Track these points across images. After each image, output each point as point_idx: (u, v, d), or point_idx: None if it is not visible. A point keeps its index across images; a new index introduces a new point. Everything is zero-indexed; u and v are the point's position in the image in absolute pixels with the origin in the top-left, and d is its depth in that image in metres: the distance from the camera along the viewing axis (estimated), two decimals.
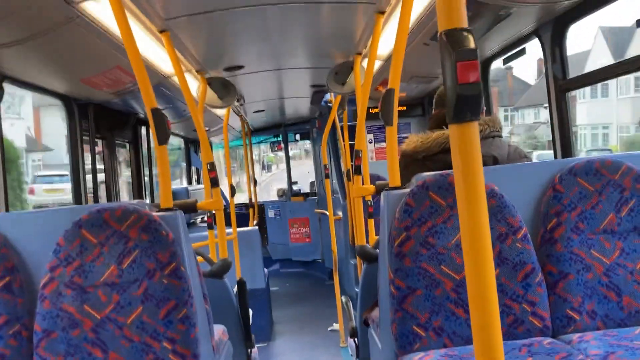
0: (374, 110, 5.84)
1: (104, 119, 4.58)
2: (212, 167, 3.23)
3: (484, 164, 2.44)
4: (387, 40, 3.53)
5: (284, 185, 9.69)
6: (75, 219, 2.12)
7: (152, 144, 6.10)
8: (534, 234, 2.23)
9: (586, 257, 2.15)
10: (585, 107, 30.30)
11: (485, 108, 2.77)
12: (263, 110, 7.35)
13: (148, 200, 5.64)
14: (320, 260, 8.66)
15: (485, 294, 0.96)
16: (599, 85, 27.86)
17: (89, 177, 4.26)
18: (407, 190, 2.20)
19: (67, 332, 2.03)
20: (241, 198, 10.19)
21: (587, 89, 28.11)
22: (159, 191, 2.35)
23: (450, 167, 2.38)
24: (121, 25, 2.23)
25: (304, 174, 10.94)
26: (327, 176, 5.65)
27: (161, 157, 2.32)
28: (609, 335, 2.00)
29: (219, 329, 2.71)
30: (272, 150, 10.34)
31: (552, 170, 2.26)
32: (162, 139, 2.28)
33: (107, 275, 2.07)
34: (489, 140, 2.48)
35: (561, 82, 3.04)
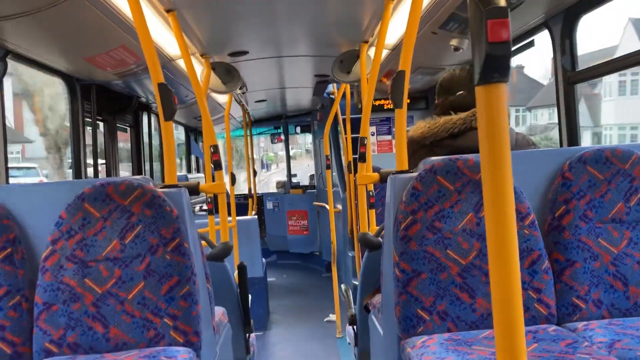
0: (376, 102, 5.83)
1: (106, 101, 4.55)
2: (215, 150, 3.20)
3: None
4: (394, 28, 3.50)
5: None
6: (78, 192, 2.10)
7: (153, 130, 6.09)
8: (541, 221, 2.21)
9: (593, 245, 2.13)
10: (613, 106, 28.04)
11: None
12: (265, 100, 7.32)
13: None
14: (317, 253, 8.65)
15: (508, 266, 0.93)
16: (628, 81, 26.42)
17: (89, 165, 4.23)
18: (415, 174, 2.18)
19: (68, 305, 2.00)
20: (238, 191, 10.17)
21: (615, 85, 26.66)
22: (164, 168, 2.33)
23: (458, 153, 2.38)
24: (131, 0, 2.21)
25: (304, 170, 10.91)
26: (328, 167, 5.63)
27: (166, 133, 2.29)
28: (614, 324, 1.99)
29: (219, 310, 2.70)
30: (272, 142, 10.31)
31: (561, 158, 2.24)
32: (168, 115, 2.25)
33: (109, 250, 2.05)
34: None
35: (570, 74, 3.02)
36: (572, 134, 3.02)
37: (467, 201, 2.09)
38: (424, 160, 2.21)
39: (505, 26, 0.88)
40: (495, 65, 0.89)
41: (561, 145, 3.10)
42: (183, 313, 2.02)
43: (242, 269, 3.20)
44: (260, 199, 9.07)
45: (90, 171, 4.18)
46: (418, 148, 2.52)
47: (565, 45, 3.02)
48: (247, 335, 3.27)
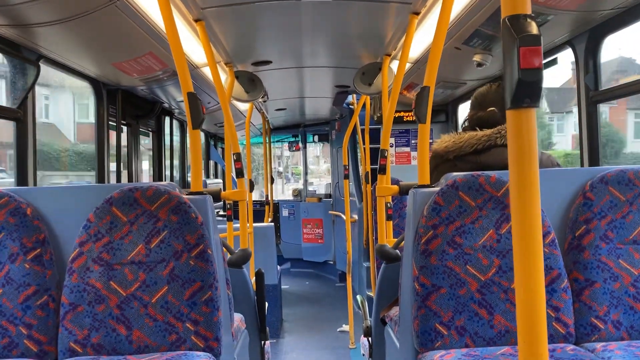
0: (395, 114, 5.85)
1: (131, 106, 4.64)
2: (238, 158, 3.25)
3: None
4: (416, 42, 3.53)
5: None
6: (106, 196, 2.15)
7: (174, 135, 6.17)
8: (561, 240, 2.22)
9: (614, 266, 2.13)
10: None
11: None
12: (284, 109, 7.38)
13: None
14: (331, 262, 8.66)
15: (533, 284, 0.95)
16: None
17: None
18: (437, 189, 2.20)
19: (93, 306, 2.05)
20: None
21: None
22: (191, 174, 2.37)
23: (480, 169, 2.40)
24: (163, 9, 2.26)
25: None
26: (346, 177, 5.66)
27: (194, 141, 2.34)
28: (633, 345, 1.98)
29: (237, 317, 2.73)
30: (289, 150, 10.38)
31: (583, 178, 2.25)
32: (196, 123, 2.30)
33: (135, 254, 2.09)
34: None
35: (593, 93, 3.02)
36: (593, 153, 3.02)
37: (488, 217, 2.11)
38: (445, 175, 2.23)
39: (538, 54, 0.90)
40: (527, 91, 0.92)
41: (582, 165, 3.10)
42: (205, 318, 2.05)
43: (259, 275, 3.23)
44: (276, 206, 9.12)
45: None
46: (441, 162, 2.54)
47: (588, 64, 3.03)
48: (263, 342, 3.30)
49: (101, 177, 4.02)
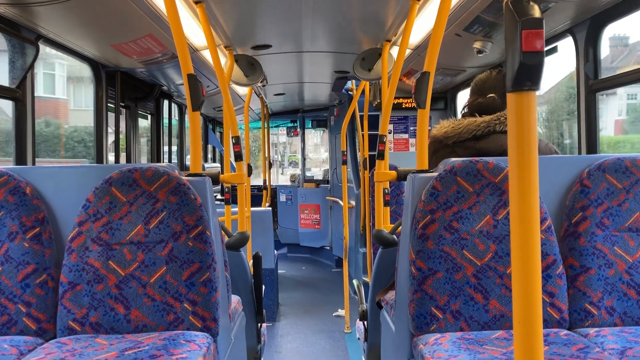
0: (394, 101, 5.85)
1: (130, 88, 4.63)
2: (236, 141, 3.25)
3: None
4: (417, 28, 3.52)
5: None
6: (105, 176, 2.16)
7: (173, 118, 6.16)
8: (557, 227, 2.24)
9: (609, 253, 2.15)
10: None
11: None
12: (283, 94, 7.37)
13: None
14: (328, 248, 8.70)
15: (530, 267, 0.96)
16: None
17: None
18: (435, 174, 2.21)
19: (92, 285, 2.07)
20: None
21: None
22: (190, 156, 2.38)
23: (479, 155, 2.41)
24: None
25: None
26: (344, 162, 5.67)
27: (193, 123, 2.34)
28: (626, 332, 2.01)
29: (234, 299, 2.75)
30: (288, 135, 10.37)
31: (580, 165, 2.26)
32: (196, 105, 2.30)
33: (134, 234, 2.11)
34: None
35: (592, 82, 3.03)
36: (591, 142, 3.03)
37: (485, 203, 2.12)
38: (444, 160, 2.24)
39: (540, 37, 0.91)
40: (528, 74, 0.93)
41: (579, 153, 3.11)
42: (202, 299, 2.07)
43: (257, 259, 3.25)
44: (274, 191, 9.14)
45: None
46: (440, 147, 2.55)
47: (588, 52, 3.03)
48: (259, 324, 3.33)
49: (99, 160, 4.02)
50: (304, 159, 9.92)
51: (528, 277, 0.98)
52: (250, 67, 4.29)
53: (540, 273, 1.00)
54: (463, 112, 2.68)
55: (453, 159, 2.20)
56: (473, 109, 2.58)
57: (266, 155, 7.59)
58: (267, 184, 7.66)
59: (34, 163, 3.01)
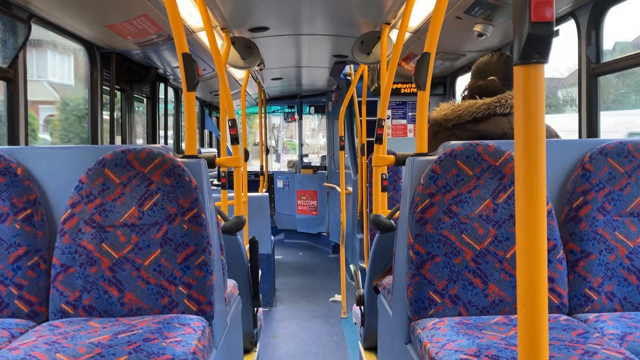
0: (393, 86, 5.79)
1: (125, 71, 4.57)
2: (233, 124, 3.21)
3: (512, 137, 2.41)
4: (416, 11, 3.46)
5: None
6: (98, 157, 2.11)
7: (169, 101, 6.10)
8: (558, 211, 2.21)
9: (610, 238, 2.12)
10: None
11: None
12: (280, 78, 7.30)
13: None
14: (325, 234, 8.69)
15: (536, 248, 0.93)
16: None
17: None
18: (434, 157, 2.17)
19: (85, 268, 2.03)
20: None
21: None
22: (185, 138, 2.33)
23: (479, 138, 2.37)
24: None
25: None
26: (342, 148, 5.63)
27: (188, 104, 2.30)
28: (626, 317, 1.99)
29: (230, 283, 2.72)
30: (285, 121, 10.31)
31: (582, 149, 2.23)
32: (191, 85, 2.25)
33: (127, 216, 2.07)
34: None
35: (594, 66, 2.99)
36: (591, 126, 3.00)
37: (485, 187, 2.09)
38: (444, 143, 2.20)
39: (550, 5, 0.87)
40: (537, 46, 0.89)
41: (580, 137, 3.08)
42: (198, 282, 2.04)
43: (253, 243, 3.22)
44: (271, 177, 9.10)
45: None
46: (440, 130, 2.51)
47: (591, 36, 2.99)
48: (256, 309, 3.31)
49: (94, 143, 3.97)
50: (301, 145, 9.87)
51: (533, 259, 0.95)
52: (247, 50, 4.24)
53: (546, 253, 0.97)
54: (463, 94, 2.64)
55: (453, 142, 2.17)
56: (473, 91, 2.54)
57: (263, 141, 7.55)
58: (264, 169, 7.61)
59: (26, 144, 2.96)
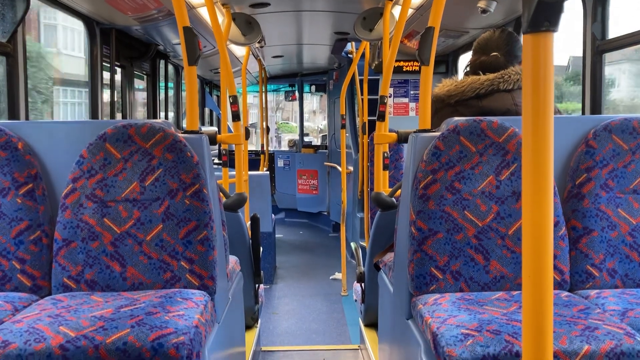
0: (395, 64, 5.73)
1: (125, 47, 4.52)
2: (234, 101, 3.18)
3: (516, 113, 2.39)
4: None
5: None
6: (99, 132, 2.10)
7: (169, 79, 6.05)
8: (561, 188, 2.20)
9: (612, 215, 2.12)
10: None
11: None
12: (281, 56, 7.24)
13: None
14: (325, 213, 8.70)
15: (542, 222, 0.92)
16: None
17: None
18: (437, 133, 2.16)
19: (87, 243, 2.03)
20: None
21: None
22: (186, 113, 2.32)
23: (482, 114, 2.35)
24: None
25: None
26: (343, 126, 5.60)
27: (190, 79, 2.27)
28: (627, 293, 1.99)
29: (232, 259, 2.73)
30: (286, 100, 10.26)
31: (586, 126, 2.21)
32: (192, 59, 2.22)
33: (129, 191, 2.06)
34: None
35: (599, 43, 2.95)
36: (595, 103, 2.97)
37: (488, 163, 2.08)
38: (447, 120, 2.19)
39: None
40: (547, 13, 0.87)
41: (583, 114, 3.06)
42: (200, 257, 2.04)
43: (255, 220, 3.22)
44: (272, 156, 9.09)
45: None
46: (442, 106, 2.49)
47: (597, 11, 2.94)
48: (257, 285, 3.32)
49: (94, 118, 3.95)
50: (301, 124, 9.83)
51: (539, 234, 0.94)
52: (248, 26, 4.19)
53: (552, 228, 0.96)
54: (466, 70, 2.61)
55: (456, 118, 2.15)
56: (476, 67, 2.51)
57: (264, 120, 7.51)
58: (265, 148, 7.59)
59: (27, 118, 2.95)
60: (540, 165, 0.91)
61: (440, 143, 2.09)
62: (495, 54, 2.51)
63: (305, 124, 10.90)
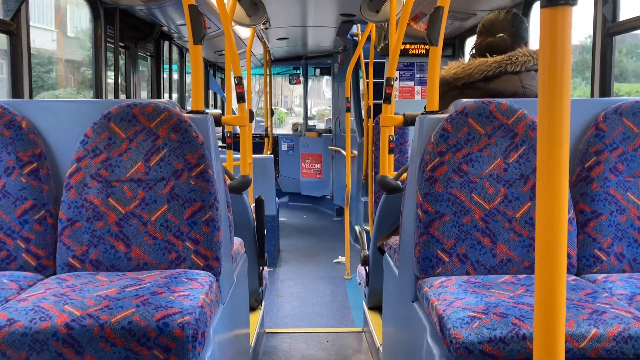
0: (401, 47, 5.67)
1: (129, 27, 4.49)
2: (239, 82, 3.15)
3: (524, 96, 2.36)
4: None
5: None
6: (104, 111, 2.08)
7: (174, 60, 6.01)
8: (569, 171, 2.18)
9: (621, 199, 2.10)
10: None
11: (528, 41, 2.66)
12: (286, 38, 7.18)
13: None
14: (329, 197, 8.69)
15: (557, 202, 0.90)
16: None
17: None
18: (445, 115, 2.13)
19: (91, 222, 2.02)
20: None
21: None
22: (192, 93, 2.29)
23: (489, 97, 2.32)
24: None
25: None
26: (348, 109, 5.56)
27: (195, 58, 2.25)
28: (635, 277, 1.98)
29: (237, 241, 2.72)
30: (290, 83, 10.20)
31: (595, 108, 2.18)
32: (197, 38, 2.19)
33: (134, 171, 2.05)
34: (531, 74, 2.39)
35: (609, 25, 2.90)
36: (604, 86, 2.94)
37: (496, 146, 2.06)
38: (455, 101, 2.16)
39: None
40: None
41: (592, 97, 3.02)
42: (205, 238, 2.03)
43: (259, 202, 3.21)
44: (275, 140, 9.06)
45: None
46: (449, 89, 2.46)
47: None
48: (261, 267, 3.32)
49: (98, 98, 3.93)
50: (305, 107, 9.78)
51: (554, 217, 0.92)
52: (253, 7, 4.15)
53: (567, 213, 0.94)
54: (472, 53, 2.57)
55: (465, 100, 2.12)
56: (482, 49, 2.48)
57: (268, 103, 7.48)
58: (269, 131, 7.57)
59: (31, 97, 2.93)
60: (557, 143, 0.89)
61: (448, 125, 2.06)
62: (501, 35, 2.48)
63: (297, 109, 10.75)
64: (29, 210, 2.06)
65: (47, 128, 2.17)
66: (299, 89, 11.21)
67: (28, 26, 2.88)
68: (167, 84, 5.83)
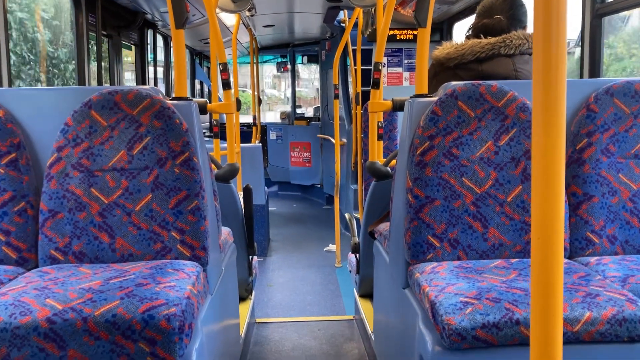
0: (389, 32, 5.62)
1: (111, 15, 4.39)
2: (224, 68, 3.09)
3: (515, 79, 2.33)
4: None
5: None
6: (85, 99, 2.02)
7: (158, 49, 5.92)
8: None
9: (613, 180, 2.08)
10: None
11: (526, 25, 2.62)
12: (272, 25, 7.10)
13: None
14: (319, 185, 8.65)
15: (553, 187, 0.86)
16: None
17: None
18: (435, 98, 2.09)
19: (74, 213, 1.97)
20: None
21: None
22: (174, 79, 2.24)
23: (481, 78, 2.28)
24: None
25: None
26: (336, 97, 5.51)
27: (177, 43, 2.19)
28: (627, 260, 1.96)
29: (225, 230, 2.68)
30: (277, 71, 10.11)
31: (586, 89, 2.15)
32: (180, 22, 2.14)
33: (116, 160, 1.99)
34: (525, 57, 2.36)
35: (598, 6, 2.87)
36: (594, 67, 2.91)
37: (487, 129, 2.02)
38: (445, 84, 2.12)
39: None
40: None
41: (581, 77, 2.99)
42: (191, 227, 1.99)
43: (247, 191, 3.16)
44: (264, 129, 8.99)
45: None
46: (441, 70, 2.42)
47: None
48: (250, 257, 3.28)
49: None
50: (294, 95, 9.71)
51: (550, 201, 0.88)
52: None
53: (564, 194, 0.91)
54: (467, 34, 2.54)
55: (454, 82, 2.09)
56: (478, 30, 2.44)
57: (255, 92, 7.40)
58: (257, 120, 7.49)
59: (10, 85, 2.85)
60: (553, 122, 0.85)
61: (438, 108, 2.03)
62: (498, 17, 2.44)
63: (271, 91, 10.59)
64: (9, 201, 2.00)
65: (26, 117, 2.10)
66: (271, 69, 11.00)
67: (5, 13, 2.80)
68: (152, 74, 5.74)
